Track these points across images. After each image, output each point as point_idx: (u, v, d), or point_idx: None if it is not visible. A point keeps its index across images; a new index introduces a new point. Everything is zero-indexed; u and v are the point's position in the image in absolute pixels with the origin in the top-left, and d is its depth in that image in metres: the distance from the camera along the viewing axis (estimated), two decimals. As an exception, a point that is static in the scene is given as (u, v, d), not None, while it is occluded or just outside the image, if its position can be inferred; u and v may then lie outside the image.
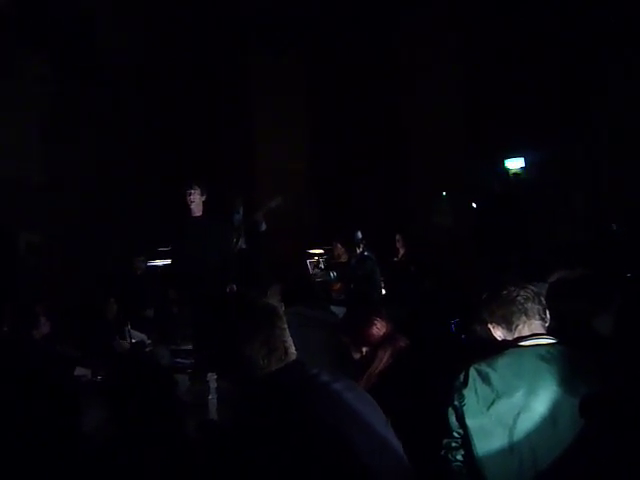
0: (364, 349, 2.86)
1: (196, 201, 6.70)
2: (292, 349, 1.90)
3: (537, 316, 2.29)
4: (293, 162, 11.44)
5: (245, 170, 11.31)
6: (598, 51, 9.79)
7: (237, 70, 11.64)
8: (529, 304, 2.29)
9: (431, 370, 2.64)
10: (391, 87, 11.55)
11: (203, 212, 6.79)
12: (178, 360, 7.60)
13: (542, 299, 2.33)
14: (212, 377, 6.30)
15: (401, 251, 9.68)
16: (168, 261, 8.43)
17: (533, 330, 2.28)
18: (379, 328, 2.87)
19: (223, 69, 11.41)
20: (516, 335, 2.29)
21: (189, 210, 6.76)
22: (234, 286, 7.00)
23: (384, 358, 2.75)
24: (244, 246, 8.26)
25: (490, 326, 2.36)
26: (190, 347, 7.38)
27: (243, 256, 8.06)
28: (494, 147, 11.01)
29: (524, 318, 2.28)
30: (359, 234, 7.48)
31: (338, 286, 7.65)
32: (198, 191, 6.70)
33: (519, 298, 2.29)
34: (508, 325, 2.31)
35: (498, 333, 2.34)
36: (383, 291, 7.68)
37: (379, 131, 11.38)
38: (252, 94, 11.95)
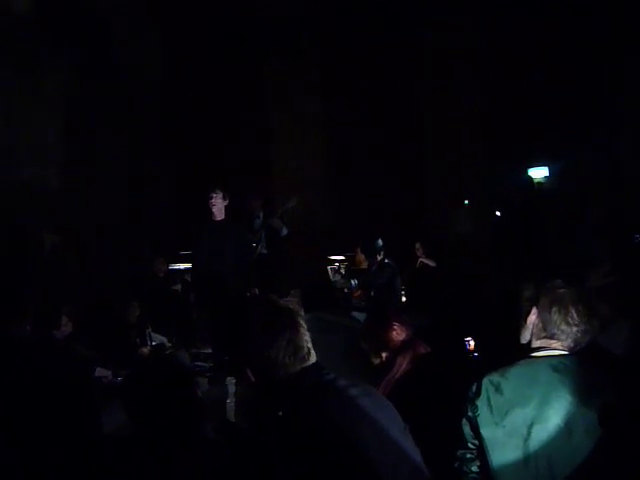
0: (383, 354, 2.86)
1: (218, 205, 6.73)
2: (313, 350, 1.91)
3: (572, 345, 2.27)
4: (311, 167, 11.45)
5: (263, 175, 11.35)
6: (626, 60, 9.70)
7: (254, 74, 11.68)
8: (577, 335, 2.25)
9: (450, 378, 2.62)
10: (411, 92, 11.52)
11: (225, 216, 6.83)
12: (197, 364, 7.64)
13: (591, 336, 2.29)
14: (231, 381, 6.34)
15: (419, 261, 9.68)
16: (189, 265, 8.49)
17: (555, 345, 2.26)
18: (398, 333, 2.86)
19: (240, 73, 11.45)
20: (538, 343, 2.28)
21: (211, 214, 6.80)
22: (255, 290, 7.03)
23: (403, 364, 2.74)
24: (264, 251, 8.28)
25: (533, 310, 2.33)
26: (209, 351, 7.42)
27: (263, 261, 8.07)
28: (518, 155, 10.93)
29: (560, 341, 2.26)
30: (380, 242, 7.47)
31: (358, 293, 7.65)
32: (220, 195, 6.74)
33: (575, 328, 2.25)
34: (544, 329, 2.28)
35: (531, 321, 2.33)
36: (403, 299, 7.65)
37: (398, 136, 11.35)
38: (269, 98, 12.01)
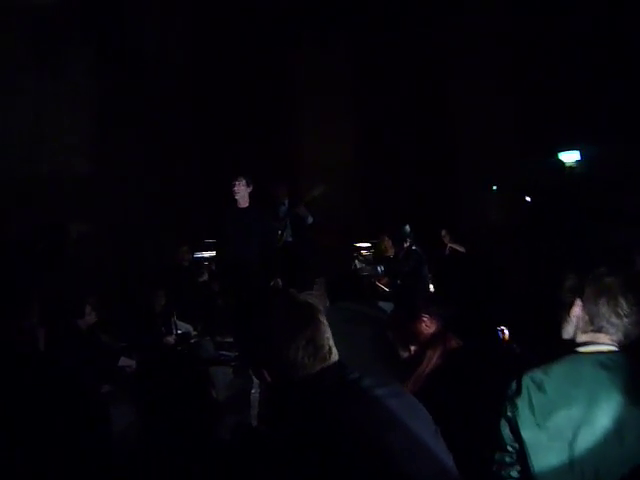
0: (412, 348, 2.70)
1: (241, 192, 6.65)
2: (334, 348, 1.77)
3: (622, 339, 2.07)
4: (339, 154, 11.32)
5: (291, 162, 11.24)
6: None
7: (282, 63, 11.56)
8: (629, 327, 2.05)
9: (486, 374, 2.46)
10: (439, 79, 11.30)
11: (249, 204, 6.73)
12: (222, 352, 7.58)
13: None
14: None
15: (448, 246, 9.51)
16: (214, 253, 8.41)
17: (603, 340, 2.07)
18: (428, 325, 2.70)
19: (268, 60, 11.33)
20: (585, 337, 2.09)
21: (235, 201, 6.71)
22: (279, 280, 6.93)
23: (433, 358, 2.58)
24: (290, 239, 8.16)
25: (578, 301, 2.13)
26: (234, 340, 7.35)
27: (289, 249, 7.96)
28: (549, 139, 10.67)
29: (609, 334, 2.06)
30: (407, 228, 7.30)
31: (385, 280, 7.49)
32: (244, 182, 6.64)
33: (626, 319, 2.04)
34: (591, 322, 2.08)
35: (575, 314, 2.13)
36: (431, 286, 7.49)
37: (426, 123, 11.15)
38: (298, 86, 11.87)
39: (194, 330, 9.12)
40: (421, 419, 1.75)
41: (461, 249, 9.20)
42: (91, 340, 5.97)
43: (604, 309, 2.06)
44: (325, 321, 1.80)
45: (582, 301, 2.12)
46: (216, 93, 11.05)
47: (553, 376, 1.96)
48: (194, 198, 10.76)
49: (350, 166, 11.48)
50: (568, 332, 2.16)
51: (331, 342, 1.76)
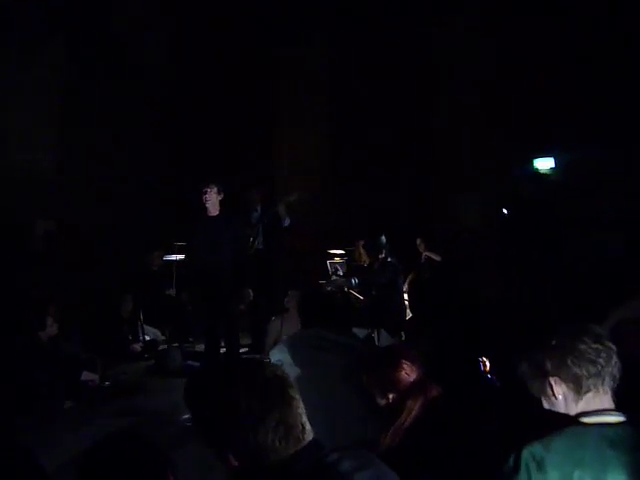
0: (390, 396, 2.54)
1: (212, 200, 6.45)
2: (308, 425, 1.58)
3: (611, 384, 1.92)
4: (312, 160, 11.16)
5: (264, 168, 11.04)
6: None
7: (260, 64, 11.36)
8: (609, 369, 1.90)
9: (470, 425, 2.31)
10: (417, 84, 11.18)
11: (220, 211, 6.53)
12: (189, 362, 7.40)
13: (617, 360, 1.93)
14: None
15: (423, 254, 9.39)
16: (182, 256, 8.20)
17: (603, 403, 1.90)
18: (408, 373, 2.53)
19: (243, 65, 11.12)
20: (581, 405, 1.91)
21: (205, 209, 6.51)
22: (249, 291, 6.77)
23: (414, 409, 2.41)
24: (261, 246, 7.96)
25: (552, 380, 1.93)
26: (202, 349, 7.15)
27: (260, 257, 7.77)
28: (523, 146, 10.61)
29: (600, 387, 1.90)
30: (383, 239, 7.15)
31: (358, 290, 7.36)
32: (215, 190, 6.45)
33: (600, 360, 1.89)
34: (578, 388, 1.91)
35: (560, 392, 1.93)
36: (405, 296, 7.36)
37: (403, 129, 11.03)
38: (272, 91, 11.68)
39: (162, 334, 8.93)
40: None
41: (437, 257, 9.09)
42: (53, 353, 5.75)
43: (577, 368, 1.90)
44: (295, 394, 1.60)
45: (556, 377, 1.94)
46: (190, 92, 10.80)
47: (554, 452, 1.77)
48: (163, 198, 10.49)
49: (325, 172, 11.32)
50: (560, 409, 1.96)
51: (304, 419, 1.57)
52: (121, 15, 10.05)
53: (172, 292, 8.97)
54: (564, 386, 1.93)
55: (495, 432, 2.29)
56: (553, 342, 1.96)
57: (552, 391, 1.95)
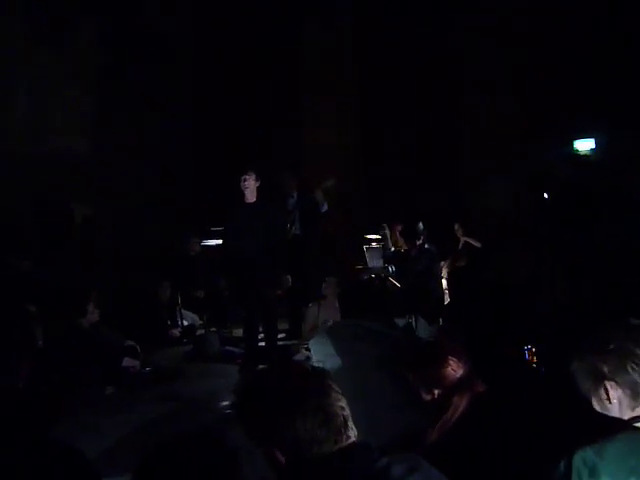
0: (436, 391, 2.51)
1: (250, 187, 6.46)
2: (351, 423, 1.57)
3: None
4: (344, 144, 11.07)
5: (296, 154, 10.99)
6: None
7: (286, 49, 11.28)
8: None
9: (516, 422, 2.26)
10: (448, 66, 10.99)
11: (257, 198, 6.53)
12: (227, 348, 7.45)
13: None
14: (264, 368, 6.11)
15: (462, 240, 9.27)
16: (220, 241, 8.23)
17: None
18: (455, 370, 2.50)
19: (272, 50, 11.05)
20: (637, 411, 1.85)
21: (243, 196, 6.51)
22: (288, 277, 6.77)
23: (460, 406, 2.38)
24: (298, 232, 7.96)
25: (608, 384, 1.89)
26: (240, 334, 7.20)
27: (297, 243, 7.77)
28: (562, 127, 10.40)
29: None
30: (420, 225, 7.08)
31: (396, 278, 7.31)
32: (253, 177, 6.46)
33: None
34: (635, 395, 1.85)
35: (615, 397, 1.88)
36: (444, 283, 7.30)
37: (434, 112, 10.86)
38: (302, 76, 11.59)
39: (200, 320, 9.01)
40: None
41: (476, 243, 8.96)
42: (94, 340, 5.83)
43: (636, 375, 1.85)
44: (337, 388, 1.60)
45: (613, 381, 1.89)
46: (219, 78, 10.79)
47: (608, 459, 1.70)
48: (199, 184, 10.54)
49: (357, 156, 11.23)
50: (614, 413, 1.91)
51: (346, 412, 1.56)
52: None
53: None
54: (620, 391, 1.88)
55: (543, 428, 2.24)
56: (611, 346, 1.90)
57: (607, 395, 1.90)
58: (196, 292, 9.13)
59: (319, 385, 1.58)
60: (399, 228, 8.68)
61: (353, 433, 1.56)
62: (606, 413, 1.91)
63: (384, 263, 7.47)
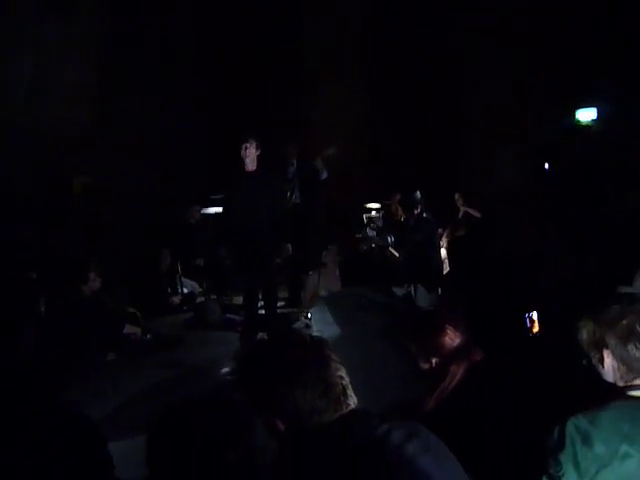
0: (433, 360, 2.55)
1: (251, 155, 6.41)
2: (350, 390, 1.59)
3: None
4: (347, 112, 11.01)
5: (297, 121, 10.93)
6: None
7: (293, 20, 11.17)
8: None
9: (513, 391, 2.31)
10: (453, 35, 10.88)
11: (257, 166, 6.51)
12: (228, 316, 7.50)
13: None
14: (263, 336, 6.16)
15: (462, 210, 9.28)
16: (220, 209, 8.23)
17: None
18: (452, 338, 2.53)
19: (279, 19, 10.95)
20: (631, 382, 1.89)
21: (243, 164, 6.49)
22: (288, 245, 6.78)
23: (457, 374, 2.43)
24: (298, 200, 7.96)
25: (605, 352, 1.93)
26: (240, 302, 7.24)
27: (297, 211, 7.77)
28: (564, 96, 10.33)
29: None
30: (417, 194, 7.04)
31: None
32: (254, 145, 6.41)
33: None
34: (630, 366, 1.89)
35: (610, 364, 1.93)
36: (443, 252, 7.31)
37: (439, 81, 10.78)
38: (305, 41, 11.48)
39: (199, 287, 9.06)
40: (454, 472, 1.60)
41: (476, 214, 8.97)
42: (96, 307, 5.88)
43: (635, 352, 1.88)
44: (336, 358, 1.62)
45: (609, 351, 1.93)
46: (225, 48, 10.69)
47: (601, 426, 1.74)
48: (198, 152, 10.51)
49: (360, 124, 11.17)
50: (607, 378, 1.96)
51: (345, 381, 1.59)
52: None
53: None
54: (615, 363, 1.92)
55: (540, 395, 2.29)
56: (625, 322, 1.92)
57: (602, 362, 1.95)
58: (196, 260, 9.16)
59: (318, 355, 1.60)
60: (397, 197, 8.68)
61: (353, 401, 1.59)
62: (601, 374, 1.96)
63: (383, 232, 7.49)
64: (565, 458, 1.74)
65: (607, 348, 1.93)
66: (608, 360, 1.93)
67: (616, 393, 1.87)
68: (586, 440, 1.72)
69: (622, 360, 1.90)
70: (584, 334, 1.99)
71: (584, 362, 2.01)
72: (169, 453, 1.54)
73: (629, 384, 1.88)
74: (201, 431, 1.53)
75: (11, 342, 1.80)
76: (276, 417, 1.55)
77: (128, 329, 6.08)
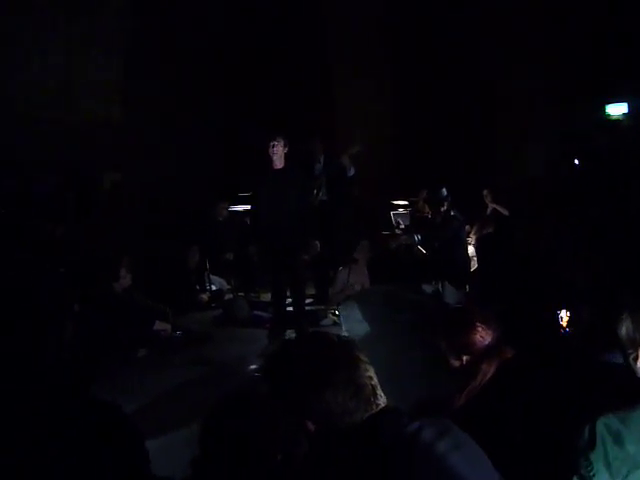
0: (464, 358, 2.55)
1: (279, 153, 6.43)
2: (380, 390, 1.60)
3: None
4: (374, 109, 10.99)
5: (324, 119, 10.93)
6: None
7: (317, 16, 11.16)
8: None
9: (544, 389, 2.30)
10: (480, 31, 10.78)
11: (285, 164, 6.54)
12: (256, 313, 7.53)
13: None
14: (291, 334, 6.19)
15: (490, 207, 9.20)
16: (248, 207, 8.27)
17: None
18: (483, 336, 2.53)
19: (303, 14, 10.94)
20: None
21: (271, 161, 6.52)
22: (317, 242, 6.78)
23: (488, 373, 2.42)
24: (325, 198, 7.97)
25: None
26: (268, 299, 7.26)
27: (324, 208, 7.78)
28: (594, 91, 10.20)
29: None
30: (444, 191, 6.99)
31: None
32: (281, 143, 6.42)
33: None
34: None
35: None
36: (470, 249, 7.27)
37: (466, 77, 10.69)
38: (331, 40, 11.49)
39: (228, 284, 9.12)
40: (484, 470, 1.60)
41: (504, 211, 8.86)
42: (127, 304, 5.96)
43: None
44: (365, 357, 1.63)
45: None
46: (251, 43, 10.73)
47: (633, 425, 1.71)
48: (227, 149, 10.57)
49: (387, 121, 11.15)
50: None
51: (374, 381, 1.60)
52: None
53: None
54: None
55: (571, 394, 2.28)
56: None
57: (636, 360, 1.93)
58: (224, 257, 9.22)
59: (348, 356, 1.60)
60: (424, 194, 8.63)
61: (382, 400, 1.60)
62: (636, 372, 1.94)
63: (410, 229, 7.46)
64: (596, 458, 1.72)
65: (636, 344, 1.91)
66: None
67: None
68: (617, 440, 1.70)
69: None
70: (623, 330, 1.97)
71: (620, 359, 1.99)
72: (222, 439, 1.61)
73: None
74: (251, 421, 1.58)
75: (54, 339, 1.84)
76: (306, 418, 1.56)
77: (158, 326, 6.15)
